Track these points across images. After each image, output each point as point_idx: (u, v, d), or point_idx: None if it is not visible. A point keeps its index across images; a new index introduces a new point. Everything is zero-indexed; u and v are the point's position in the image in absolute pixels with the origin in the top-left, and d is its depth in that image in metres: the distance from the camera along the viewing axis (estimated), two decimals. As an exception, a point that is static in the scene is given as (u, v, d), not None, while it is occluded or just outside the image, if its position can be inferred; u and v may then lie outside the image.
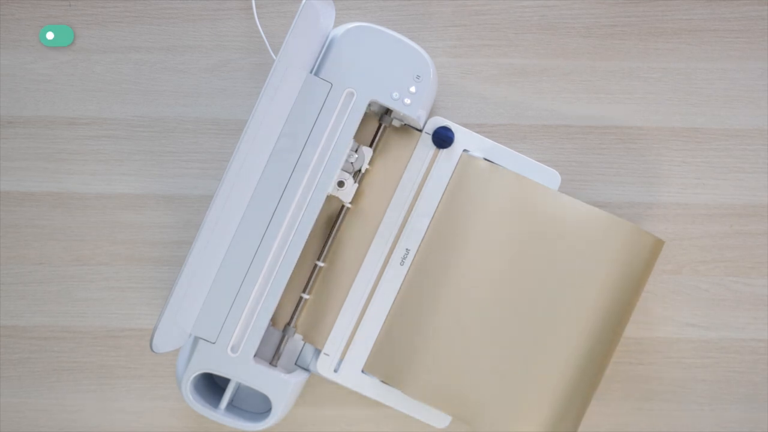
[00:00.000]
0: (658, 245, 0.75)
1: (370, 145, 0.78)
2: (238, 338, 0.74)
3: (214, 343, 0.74)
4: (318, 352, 0.78)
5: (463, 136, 0.78)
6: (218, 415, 0.75)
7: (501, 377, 0.73)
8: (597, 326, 0.73)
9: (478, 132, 0.79)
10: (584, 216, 0.74)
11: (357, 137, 0.78)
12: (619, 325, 0.75)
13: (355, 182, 0.77)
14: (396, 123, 0.78)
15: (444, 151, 0.78)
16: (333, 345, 0.78)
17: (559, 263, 0.73)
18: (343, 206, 0.78)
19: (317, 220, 0.75)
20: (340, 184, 0.76)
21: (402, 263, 0.78)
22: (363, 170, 0.77)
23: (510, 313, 0.74)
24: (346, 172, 0.77)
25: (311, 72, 0.74)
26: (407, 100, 0.74)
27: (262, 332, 0.74)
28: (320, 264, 0.78)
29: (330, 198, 0.77)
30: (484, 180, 0.76)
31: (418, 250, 0.77)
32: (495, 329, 0.74)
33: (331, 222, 0.78)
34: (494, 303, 0.74)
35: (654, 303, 0.83)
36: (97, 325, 0.82)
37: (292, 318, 0.78)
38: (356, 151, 0.77)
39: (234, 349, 0.74)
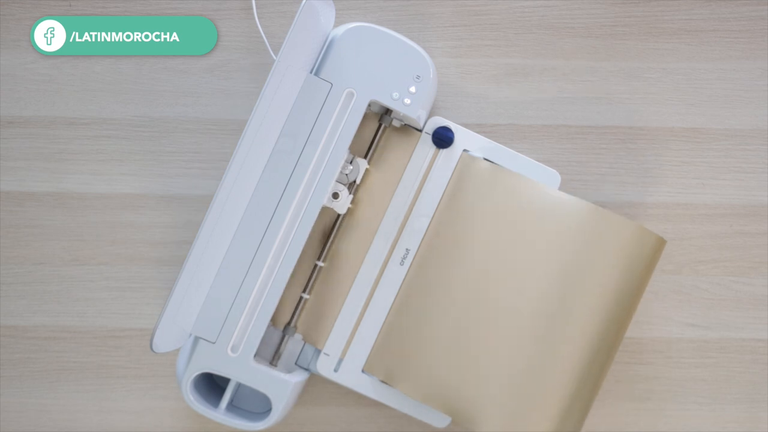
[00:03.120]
0: (660, 244, 0.75)
1: (370, 146, 0.78)
2: (238, 338, 0.74)
3: (214, 343, 0.74)
4: (318, 352, 0.78)
5: (463, 136, 0.78)
6: (218, 415, 0.75)
7: (502, 378, 0.73)
8: (600, 327, 0.73)
9: (478, 132, 0.79)
10: (586, 213, 0.74)
11: (357, 137, 0.78)
12: (622, 325, 0.75)
13: (350, 193, 0.77)
14: (396, 123, 0.78)
15: (444, 151, 0.78)
16: (333, 345, 0.78)
17: (560, 263, 0.73)
18: (343, 206, 0.78)
19: (317, 220, 0.75)
20: (335, 195, 0.76)
21: (402, 263, 0.78)
22: (358, 181, 0.77)
23: (510, 312, 0.73)
24: (341, 183, 0.77)
25: (311, 72, 0.75)
26: (407, 100, 0.74)
27: (262, 332, 0.74)
28: (320, 264, 0.78)
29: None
30: (484, 180, 0.76)
31: (418, 250, 0.77)
32: (495, 329, 0.74)
33: (332, 222, 0.78)
34: (494, 302, 0.74)
35: (654, 303, 0.83)
36: (97, 325, 0.82)
37: (292, 318, 0.78)
38: (351, 162, 0.77)
39: (234, 349, 0.74)
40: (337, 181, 0.76)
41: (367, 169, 0.78)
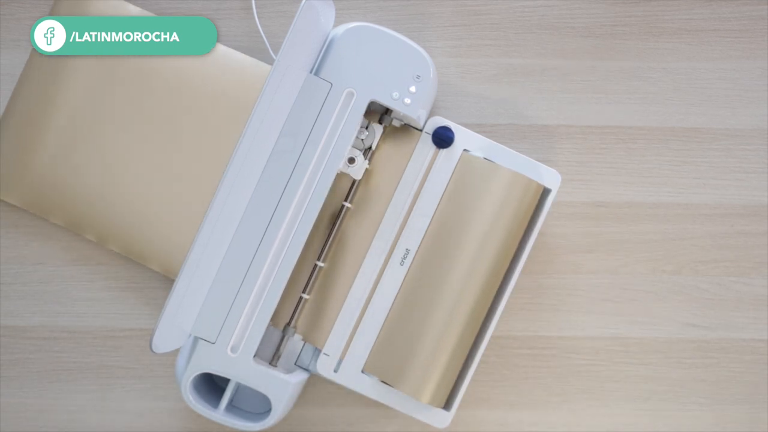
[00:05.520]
0: (537, 189, 0.75)
1: (370, 146, 0.78)
2: (238, 338, 0.74)
3: (213, 343, 0.74)
4: (318, 352, 0.78)
5: (463, 136, 0.78)
6: (218, 416, 0.75)
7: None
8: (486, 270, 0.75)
9: (478, 132, 0.79)
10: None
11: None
12: (502, 268, 0.76)
13: (365, 159, 0.77)
14: (396, 123, 0.78)
15: (444, 151, 0.78)
16: (333, 345, 0.78)
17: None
18: (343, 206, 0.78)
19: (317, 220, 0.75)
20: (351, 160, 0.76)
21: (402, 263, 0.78)
22: (374, 147, 0.77)
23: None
24: (357, 149, 0.77)
25: (311, 72, 0.74)
26: (407, 100, 0.74)
27: (262, 332, 0.74)
28: (320, 264, 0.78)
29: (330, 197, 0.77)
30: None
31: (418, 250, 0.77)
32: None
33: (332, 222, 0.78)
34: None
35: (654, 303, 0.83)
36: (97, 325, 0.82)
37: (292, 318, 0.78)
38: (366, 128, 0.77)
39: (234, 349, 0.74)
40: (353, 146, 0.77)
41: (367, 169, 0.78)
